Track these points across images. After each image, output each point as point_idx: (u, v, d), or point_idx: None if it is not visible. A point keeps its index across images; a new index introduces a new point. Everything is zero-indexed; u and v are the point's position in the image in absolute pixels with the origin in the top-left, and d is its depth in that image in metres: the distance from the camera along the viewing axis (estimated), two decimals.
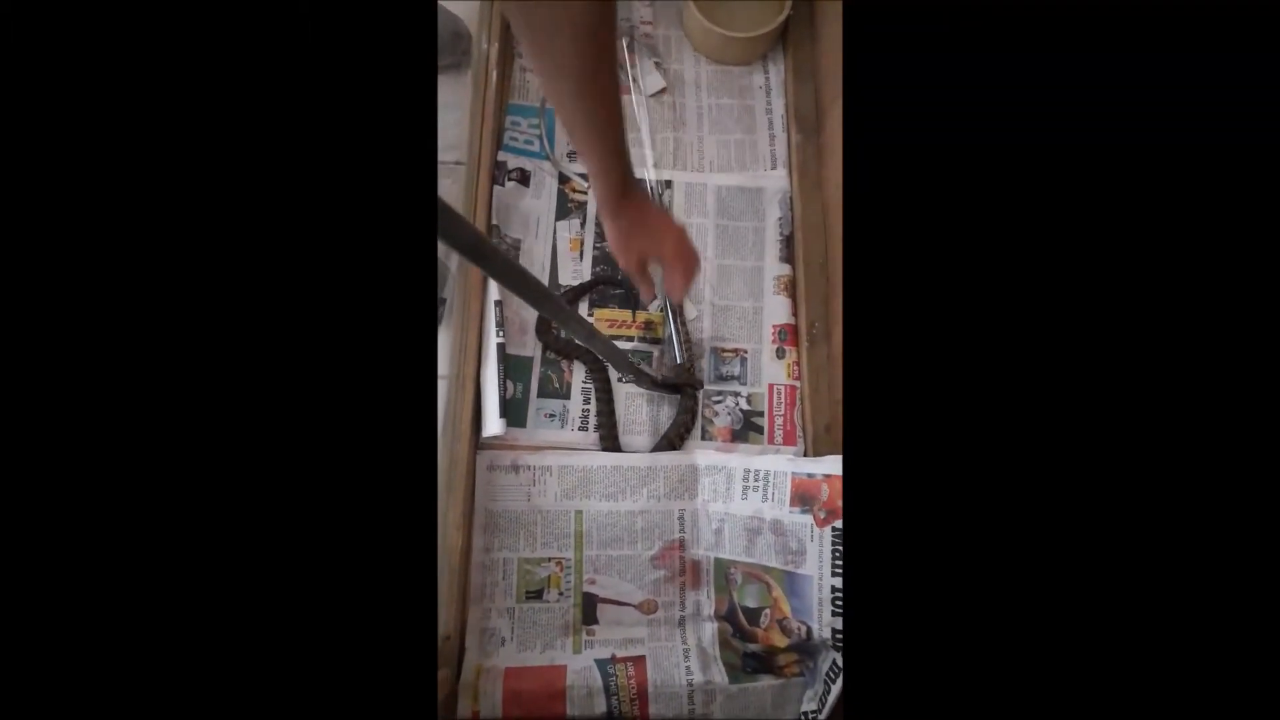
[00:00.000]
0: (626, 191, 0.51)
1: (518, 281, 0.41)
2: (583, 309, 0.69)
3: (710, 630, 0.60)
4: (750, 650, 0.59)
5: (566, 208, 0.72)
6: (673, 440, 0.64)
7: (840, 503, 0.54)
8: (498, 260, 0.37)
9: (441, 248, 0.63)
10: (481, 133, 0.70)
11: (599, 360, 0.66)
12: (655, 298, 0.61)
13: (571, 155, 0.75)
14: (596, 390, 0.66)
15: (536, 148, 0.73)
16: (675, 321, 0.67)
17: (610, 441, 0.64)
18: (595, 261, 0.71)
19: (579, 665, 0.57)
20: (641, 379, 0.64)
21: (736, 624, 0.60)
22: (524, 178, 0.72)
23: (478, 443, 0.63)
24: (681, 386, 0.66)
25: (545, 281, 0.70)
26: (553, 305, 0.46)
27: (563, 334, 0.69)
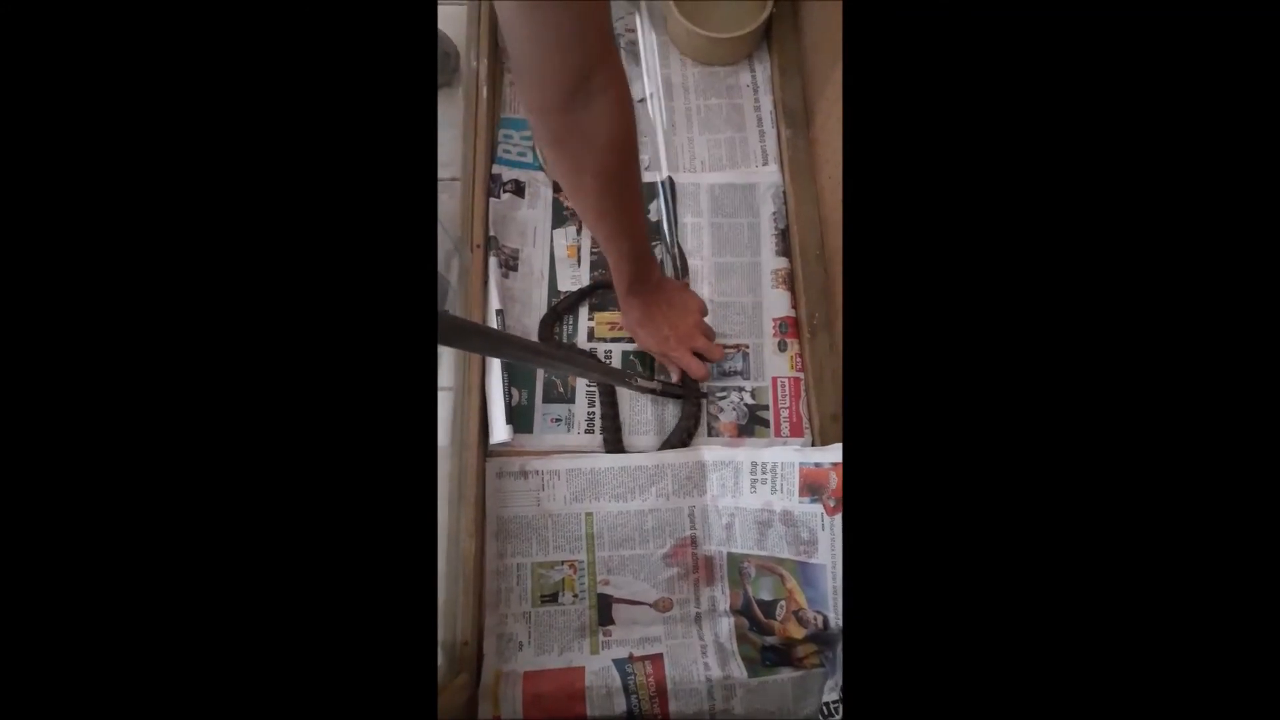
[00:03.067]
0: (633, 288, 0.59)
1: (501, 347, 0.43)
2: (582, 314, 0.70)
3: (727, 625, 0.60)
4: (768, 643, 0.59)
5: (562, 215, 0.73)
6: (674, 446, 0.64)
7: None
8: (474, 335, 0.41)
9: (440, 256, 0.65)
10: (475, 147, 0.71)
11: (610, 389, 0.67)
12: (679, 373, 0.66)
13: None
14: (600, 393, 0.66)
15: (529, 159, 0.74)
16: None
17: (615, 445, 0.65)
18: (593, 266, 0.71)
19: (597, 666, 0.57)
20: (644, 390, 0.64)
21: (753, 617, 0.60)
22: (519, 189, 0.73)
23: (486, 451, 0.64)
24: (685, 393, 0.66)
25: (545, 289, 0.71)
26: (540, 358, 0.47)
27: (564, 338, 0.69)
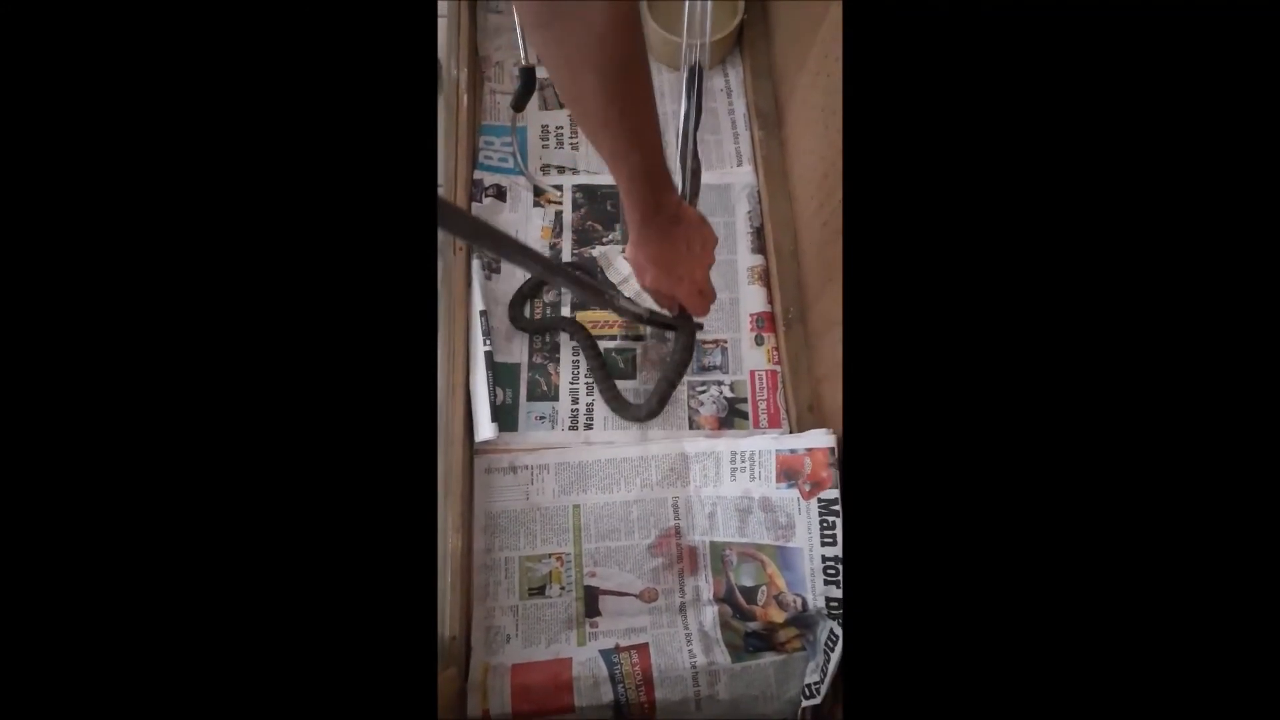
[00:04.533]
0: (649, 219, 0.49)
1: (482, 235, 0.40)
2: (564, 312, 0.72)
3: (711, 613, 0.61)
4: (751, 629, 0.60)
5: (537, 204, 0.76)
6: (671, 380, 0.62)
7: (823, 473, 0.56)
8: (458, 218, 0.38)
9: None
10: (457, 153, 0.73)
11: (580, 326, 0.67)
12: (677, 311, 0.59)
13: (545, 169, 0.78)
14: (586, 356, 0.67)
15: (510, 164, 0.76)
16: None
17: (616, 402, 0.65)
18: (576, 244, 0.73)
19: (584, 657, 0.58)
20: (627, 313, 0.59)
21: (735, 604, 0.61)
22: (500, 193, 0.75)
23: (471, 448, 0.65)
24: (677, 323, 0.60)
25: (530, 276, 0.72)
26: (521, 256, 0.44)
27: (535, 315, 0.71)
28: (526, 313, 0.71)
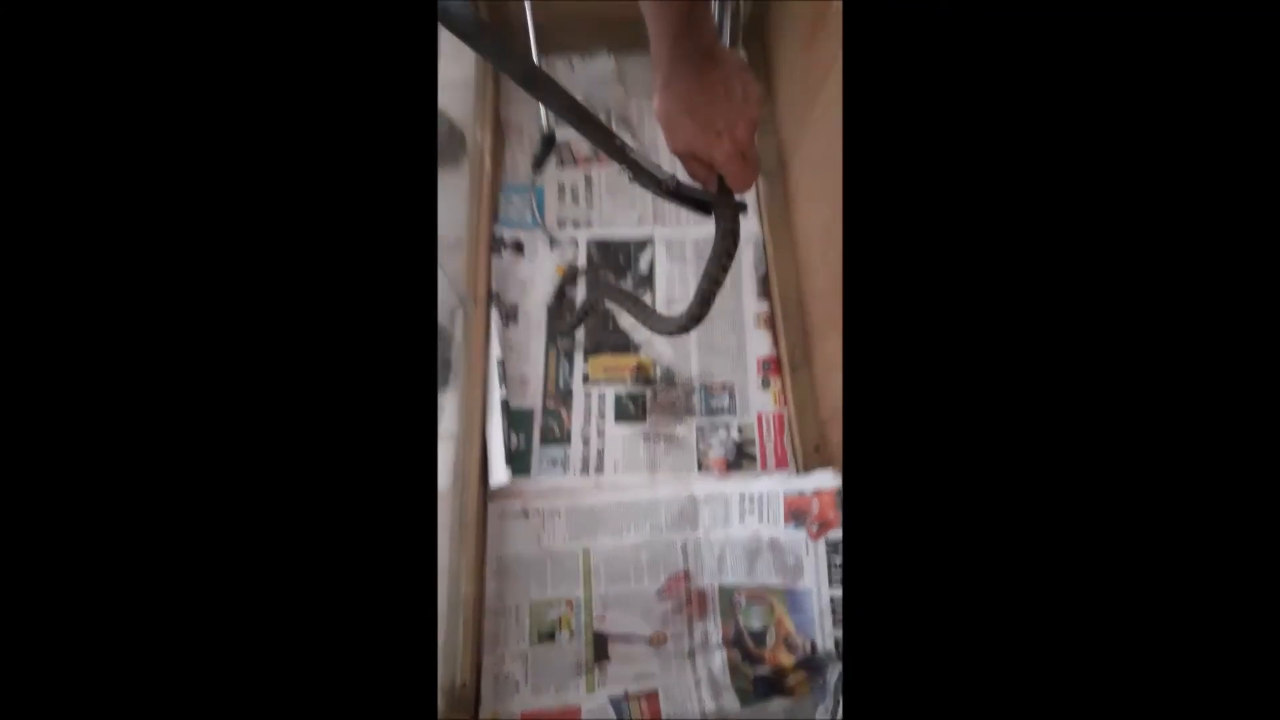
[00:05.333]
0: (681, 48, 0.39)
1: (506, 60, 0.36)
2: (577, 359, 0.74)
3: (720, 658, 0.61)
4: (760, 674, 0.59)
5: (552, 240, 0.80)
6: (715, 276, 0.48)
7: (830, 514, 0.56)
8: (486, 36, 0.33)
9: (445, 310, 0.70)
10: (479, 212, 0.78)
11: (606, 285, 0.69)
12: (714, 185, 0.45)
13: (561, 223, 0.82)
14: (616, 298, 0.65)
15: (529, 219, 0.81)
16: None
17: (654, 320, 0.57)
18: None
19: (593, 704, 0.58)
20: (644, 177, 0.46)
21: (744, 648, 0.60)
22: (519, 248, 0.79)
23: (486, 494, 0.67)
24: (714, 201, 0.45)
25: (542, 338, 0.75)
26: (543, 86, 0.38)
27: (560, 381, 0.73)
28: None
